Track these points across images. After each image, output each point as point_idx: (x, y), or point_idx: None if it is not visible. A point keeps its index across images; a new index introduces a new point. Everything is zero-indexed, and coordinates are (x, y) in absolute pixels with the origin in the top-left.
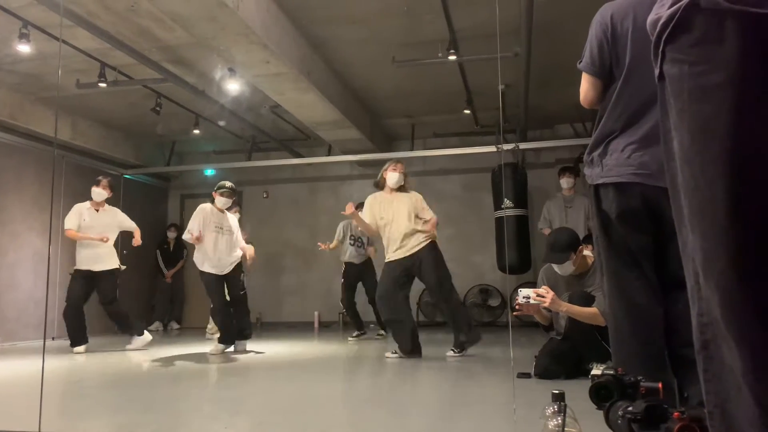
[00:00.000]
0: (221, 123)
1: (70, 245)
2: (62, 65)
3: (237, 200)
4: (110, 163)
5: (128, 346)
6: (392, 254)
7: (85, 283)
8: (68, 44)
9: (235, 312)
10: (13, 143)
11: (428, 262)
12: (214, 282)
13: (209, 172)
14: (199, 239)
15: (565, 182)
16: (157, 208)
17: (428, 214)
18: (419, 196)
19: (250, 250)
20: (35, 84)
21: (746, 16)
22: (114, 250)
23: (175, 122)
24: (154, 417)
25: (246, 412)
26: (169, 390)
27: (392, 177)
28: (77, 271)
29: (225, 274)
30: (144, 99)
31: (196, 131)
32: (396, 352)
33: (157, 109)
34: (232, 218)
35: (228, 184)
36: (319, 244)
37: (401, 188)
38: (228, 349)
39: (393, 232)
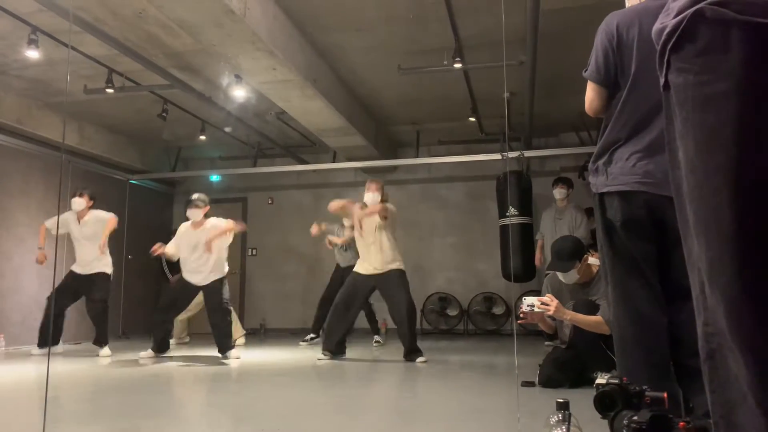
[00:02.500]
0: (227, 129)
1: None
2: (70, 71)
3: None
4: (116, 168)
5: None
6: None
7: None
8: (76, 50)
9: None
10: (20, 148)
11: None
12: None
13: (215, 177)
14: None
15: (558, 193)
16: (163, 213)
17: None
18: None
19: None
20: (43, 89)
21: (751, 26)
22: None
23: (181, 128)
24: (157, 423)
25: (248, 418)
26: (173, 395)
27: (367, 197)
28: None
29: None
30: (151, 105)
31: (202, 137)
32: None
33: (164, 115)
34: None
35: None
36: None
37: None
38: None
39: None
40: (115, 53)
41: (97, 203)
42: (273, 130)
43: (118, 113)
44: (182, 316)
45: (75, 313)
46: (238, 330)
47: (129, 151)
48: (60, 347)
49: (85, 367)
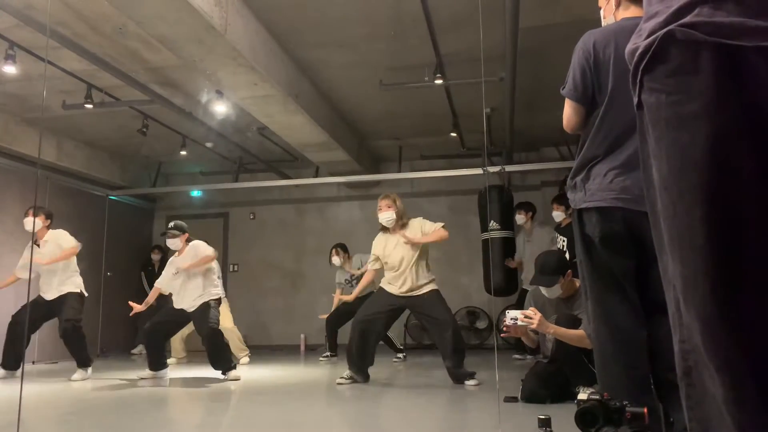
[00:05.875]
0: (208, 144)
1: None
2: (49, 86)
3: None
4: (96, 184)
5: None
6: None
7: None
8: (55, 65)
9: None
10: None
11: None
12: None
13: (196, 193)
14: None
15: (518, 219)
16: (143, 229)
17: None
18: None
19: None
20: (21, 105)
21: (721, 47)
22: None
23: (162, 143)
24: None
25: None
26: (152, 416)
27: (382, 216)
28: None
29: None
30: (130, 120)
31: (183, 152)
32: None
33: (144, 130)
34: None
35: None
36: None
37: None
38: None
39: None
40: (95, 68)
41: (76, 220)
42: (254, 145)
43: (98, 129)
44: (177, 335)
45: (53, 332)
46: (241, 349)
47: (108, 167)
48: (35, 366)
49: (60, 388)
